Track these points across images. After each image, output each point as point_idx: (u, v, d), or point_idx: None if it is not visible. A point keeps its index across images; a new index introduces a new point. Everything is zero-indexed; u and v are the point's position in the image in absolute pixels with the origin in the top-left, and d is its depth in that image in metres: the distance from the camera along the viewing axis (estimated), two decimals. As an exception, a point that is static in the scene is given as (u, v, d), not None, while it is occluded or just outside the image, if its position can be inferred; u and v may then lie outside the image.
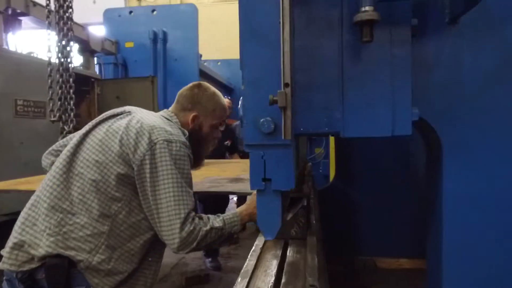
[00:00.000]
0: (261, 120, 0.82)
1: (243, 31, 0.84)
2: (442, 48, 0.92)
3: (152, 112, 1.64)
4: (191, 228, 1.37)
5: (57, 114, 3.02)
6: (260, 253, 1.26)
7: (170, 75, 6.89)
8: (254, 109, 0.84)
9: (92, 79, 4.96)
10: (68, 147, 1.48)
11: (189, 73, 6.74)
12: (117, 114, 1.56)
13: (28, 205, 1.43)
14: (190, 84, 1.70)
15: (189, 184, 1.44)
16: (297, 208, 1.45)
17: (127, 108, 1.62)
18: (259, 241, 1.39)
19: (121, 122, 1.48)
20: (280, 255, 1.26)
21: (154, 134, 1.40)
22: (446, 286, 0.91)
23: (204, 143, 1.64)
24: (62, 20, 2.98)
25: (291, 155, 0.82)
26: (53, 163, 1.62)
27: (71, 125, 3.06)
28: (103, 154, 1.40)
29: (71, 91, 3.07)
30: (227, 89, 10.57)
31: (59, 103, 3.01)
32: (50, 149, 1.73)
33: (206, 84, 1.67)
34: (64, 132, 3.01)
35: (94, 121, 1.56)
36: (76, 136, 1.54)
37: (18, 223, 1.39)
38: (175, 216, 1.36)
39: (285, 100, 0.73)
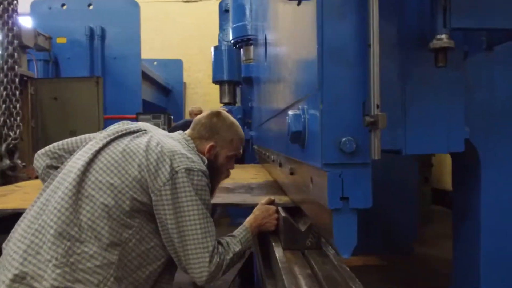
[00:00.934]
0: (343, 139, 0.83)
1: (323, 51, 0.83)
2: (480, 71, 1.02)
3: (167, 133, 1.55)
4: (218, 259, 1.33)
5: (1, 119, 2.67)
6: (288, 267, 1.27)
7: (108, 74, 6.46)
8: (334, 129, 0.84)
9: (25, 78, 4.46)
10: (77, 164, 1.32)
11: (130, 73, 6.39)
12: (133, 132, 1.45)
13: (28, 228, 1.25)
14: (209, 112, 1.62)
15: (210, 214, 1.39)
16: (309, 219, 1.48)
17: (141, 124, 1.52)
18: (279, 254, 1.39)
19: (139, 143, 1.37)
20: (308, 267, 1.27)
21: (176, 162, 1.31)
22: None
23: (218, 174, 1.56)
24: (6, 13, 2.64)
25: (369, 174, 0.84)
26: (47, 166, 1.47)
27: (18, 131, 2.73)
28: (119, 178, 1.28)
29: (17, 92, 2.74)
30: (165, 91, 10.22)
31: (3, 106, 2.66)
32: (46, 149, 1.54)
33: (225, 113, 1.61)
34: (10, 139, 2.67)
35: (104, 136, 1.43)
36: (85, 152, 1.39)
37: (17, 249, 1.21)
38: (203, 250, 1.30)
39: (385, 121, 0.75)
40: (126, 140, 1.40)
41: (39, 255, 1.17)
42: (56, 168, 1.48)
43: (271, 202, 1.64)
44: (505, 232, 1.00)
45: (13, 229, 1.34)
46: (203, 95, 12.41)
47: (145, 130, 1.49)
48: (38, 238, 1.19)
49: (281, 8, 1.30)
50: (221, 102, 6.83)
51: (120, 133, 1.43)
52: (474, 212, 1.03)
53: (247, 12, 4.65)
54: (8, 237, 1.35)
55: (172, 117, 6.47)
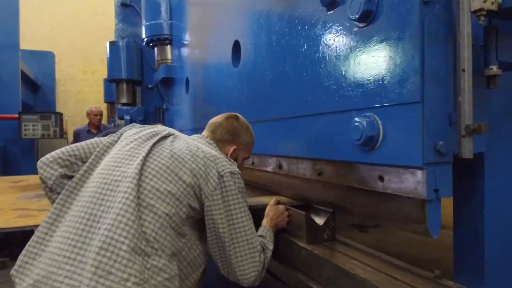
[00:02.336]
0: (440, 143, 1.04)
1: (424, 71, 1.03)
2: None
3: (192, 136, 1.52)
4: (264, 258, 1.40)
5: None
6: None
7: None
8: (432, 135, 1.04)
9: None
10: (125, 172, 1.22)
11: (6, 66, 5.40)
12: (165, 136, 1.40)
13: (78, 249, 1.09)
14: (226, 115, 1.65)
15: None
16: (327, 214, 1.66)
17: (163, 127, 1.47)
18: (311, 247, 1.53)
19: (180, 148, 1.34)
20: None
21: (220, 166, 1.34)
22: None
23: None
24: None
25: (451, 170, 1.08)
26: (61, 175, 1.32)
27: None
28: (174, 184, 1.24)
29: None
30: (33, 86, 8.90)
31: None
32: (53, 156, 1.35)
33: (241, 116, 1.65)
34: None
35: (139, 142, 1.34)
36: (124, 159, 1.27)
37: (84, 272, 1.05)
38: (253, 250, 1.36)
39: (486, 129, 0.98)
40: (166, 145, 1.35)
41: (111, 275, 1.05)
42: (70, 177, 1.32)
43: (278, 202, 1.77)
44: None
45: (28, 253, 1.15)
46: (76, 93, 11.21)
47: (173, 133, 1.45)
48: (107, 257, 1.06)
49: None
50: (118, 102, 6.36)
51: (156, 138, 1.37)
52: (477, 199, 1.34)
53: (163, 10, 4.51)
54: (21, 264, 1.15)
55: (65, 118, 5.72)
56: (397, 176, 1.14)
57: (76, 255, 1.09)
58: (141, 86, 6.50)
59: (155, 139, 1.35)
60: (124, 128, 1.53)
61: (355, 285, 1.23)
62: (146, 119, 6.23)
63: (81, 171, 1.31)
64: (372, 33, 1.19)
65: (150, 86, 6.38)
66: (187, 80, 3.66)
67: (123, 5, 6.27)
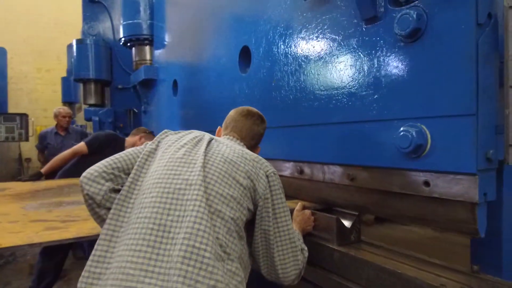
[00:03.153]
0: (491, 151, 1.15)
1: (478, 88, 1.14)
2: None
3: (224, 139, 1.53)
4: (304, 258, 1.44)
5: None
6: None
7: None
8: (484, 144, 1.16)
9: None
10: (189, 181, 1.23)
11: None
12: (208, 141, 1.40)
13: (161, 262, 1.07)
14: (247, 110, 1.69)
15: None
16: (354, 217, 1.74)
17: (196, 132, 1.49)
18: (344, 249, 1.60)
19: (227, 151, 1.37)
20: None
21: (264, 166, 1.39)
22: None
23: None
24: None
25: (495, 175, 1.20)
26: (110, 190, 1.28)
27: None
28: (234, 188, 1.26)
29: None
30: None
31: None
32: (97, 171, 1.30)
33: (262, 115, 1.70)
34: None
35: (189, 147, 1.34)
36: (180, 167, 1.26)
37: (170, 284, 1.03)
38: (295, 249, 1.41)
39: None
40: (215, 150, 1.36)
41: (198, 283, 1.04)
42: (117, 190, 1.29)
43: (304, 207, 1.82)
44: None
45: (91, 274, 1.12)
46: (29, 92, 10.53)
47: (213, 137, 1.47)
48: (191, 265, 1.06)
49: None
50: (85, 103, 6.09)
51: (203, 143, 1.38)
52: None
53: (142, 10, 4.39)
54: (85, 286, 1.12)
55: (32, 119, 5.33)
56: (446, 182, 1.24)
57: (154, 267, 1.06)
58: (110, 86, 6.28)
59: (203, 145, 1.35)
60: (160, 135, 1.50)
61: (401, 284, 1.31)
62: (116, 121, 6.03)
63: (127, 183, 1.29)
64: (422, 49, 1.28)
65: (120, 86, 6.17)
66: (175, 83, 3.60)
67: (92, 1, 6.02)
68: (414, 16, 1.27)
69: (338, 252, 1.60)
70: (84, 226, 1.57)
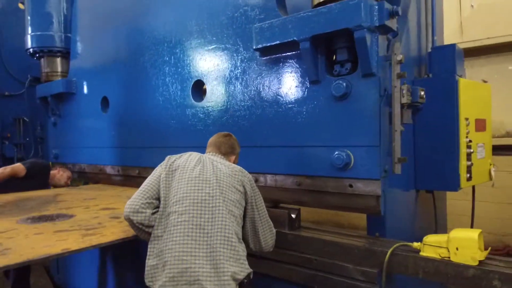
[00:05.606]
0: (386, 166, 2.06)
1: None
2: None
3: (209, 156, 2.13)
4: (274, 230, 2.16)
5: None
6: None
7: None
8: (383, 161, 2.06)
9: None
10: (212, 194, 1.85)
11: None
12: (201, 160, 2.02)
13: (205, 249, 1.71)
14: (223, 134, 2.30)
15: None
16: (296, 211, 2.51)
17: (194, 154, 2.08)
18: (294, 232, 2.35)
19: (223, 168, 1.98)
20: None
21: (245, 174, 2.05)
22: None
23: None
24: None
25: (388, 180, 2.13)
26: (150, 213, 1.81)
27: None
28: (235, 194, 1.93)
29: None
30: None
31: None
32: (138, 203, 1.80)
33: (231, 134, 2.33)
34: None
35: (195, 168, 1.94)
36: (206, 183, 1.86)
37: (217, 261, 1.66)
38: (271, 226, 2.14)
39: (406, 160, 2.06)
40: (217, 167, 1.97)
41: (231, 259, 1.73)
42: (155, 212, 1.83)
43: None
44: None
45: (152, 262, 1.73)
46: None
47: (210, 158, 2.07)
48: (227, 248, 1.74)
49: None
50: (-38, 111, 5.51)
51: (208, 163, 1.98)
52: None
53: (55, 22, 4.38)
54: (152, 274, 1.69)
55: None
56: (362, 184, 2.12)
57: (199, 252, 1.68)
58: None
59: (208, 165, 1.95)
60: (167, 161, 1.99)
61: (333, 248, 2.14)
62: (3, 130, 5.64)
63: (161, 204, 1.83)
64: (348, 105, 2.13)
65: (7, 93, 5.80)
66: (104, 99, 3.83)
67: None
68: (344, 85, 2.11)
69: (291, 234, 2.35)
70: (109, 232, 1.94)
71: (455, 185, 2.73)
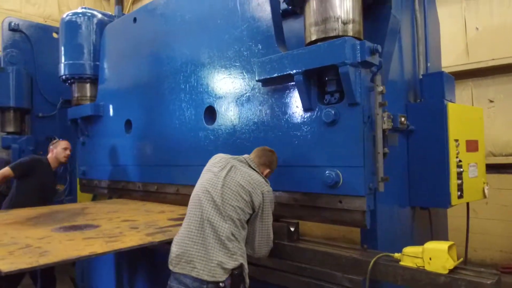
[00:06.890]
0: (371, 184, 2.32)
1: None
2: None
3: (242, 162, 2.46)
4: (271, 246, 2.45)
5: None
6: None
7: None
8: (368, 180, 2.33)
9: None
10: (212, 198, 2.23)
11: None
12: (224, 167, 2.37)
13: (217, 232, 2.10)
14: (267, 148, 2.60)
15: None
16: (295, 224, 2.78)
17: (225, 159, 2.44)
18: (292, 244, 2.62)
19: (238, 178, 2.31)
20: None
21: (262, 187, 2.35)
22: None
23: None
24: None
25: (374, 197, 2.38)
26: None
27: None
28: (240, 202, 2.25)
29: None
30: None
31: None
32: None
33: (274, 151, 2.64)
34: None
35: (215, 172, 2.35)
36: (215, 188, 2.26)
37: (210, 250, 2.09)
38: (270, 240, 2.42)
39: (388, 179, 2.32)
40: (231, 176, 2.32)
41: (221, 251, 2.09)
42: None
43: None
44: None
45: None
46: None
47: (234, 164, 2.38)
48: (218, 243, 2.12)
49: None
50: (3, 131, 6.08)
51: (224, 170, 2.34)
52: None
53: (86, 52, 4.88)
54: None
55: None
56: (350, 200, 2.38)
57: (198, 240, 2.11)
58: (30, 114, 6.40)
59: (224, 172, 2.30)
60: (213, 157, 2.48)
61: (328, 258, 2.39)
62: (36, 149, 6.15)
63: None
64: (337, 130, 2.42)
65: (41, 115, 6.36)
66: (128, 122, 4.25)
67: (13, 30, 6.13)
68: (333, 112, 2.40)
69: (289, 246, 2.62)
70: (128, 239, 2.27)
71: (445, 202, 2.95)
